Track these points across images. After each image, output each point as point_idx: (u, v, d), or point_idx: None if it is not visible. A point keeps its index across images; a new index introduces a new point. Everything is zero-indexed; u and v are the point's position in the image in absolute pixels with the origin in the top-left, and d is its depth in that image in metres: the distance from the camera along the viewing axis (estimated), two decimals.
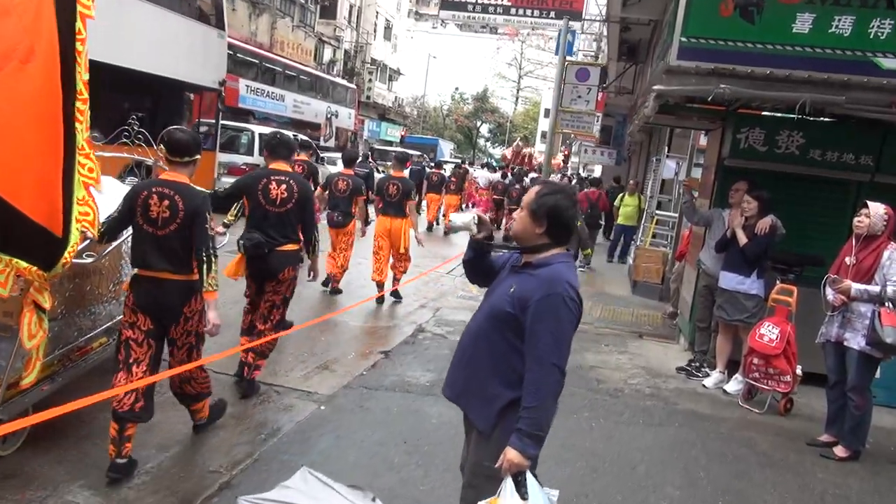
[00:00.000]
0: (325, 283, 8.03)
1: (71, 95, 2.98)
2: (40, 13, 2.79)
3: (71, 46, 2.96)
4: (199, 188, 3.65)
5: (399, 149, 30.68)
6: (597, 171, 42.32)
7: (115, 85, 9.27)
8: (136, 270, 3.62)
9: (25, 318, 3.07)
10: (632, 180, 14.27)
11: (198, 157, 3.68)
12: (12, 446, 3.59)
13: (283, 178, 4.65)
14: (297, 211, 4.65)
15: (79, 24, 2.98)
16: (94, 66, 3.30)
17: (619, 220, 13.52)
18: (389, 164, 25.78)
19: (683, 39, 5.44)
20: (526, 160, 43.39)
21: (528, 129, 77.10)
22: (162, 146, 3.67)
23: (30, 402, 3.57)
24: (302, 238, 4.84)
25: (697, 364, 6.22)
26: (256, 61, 21.07)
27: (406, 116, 56.18)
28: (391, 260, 8.09)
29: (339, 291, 8.09)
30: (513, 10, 31.22)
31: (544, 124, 75.63)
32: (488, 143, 77.61)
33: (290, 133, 12.12)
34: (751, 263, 5.57)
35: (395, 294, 8.24)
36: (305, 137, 16.28)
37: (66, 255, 3.09)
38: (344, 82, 30.01)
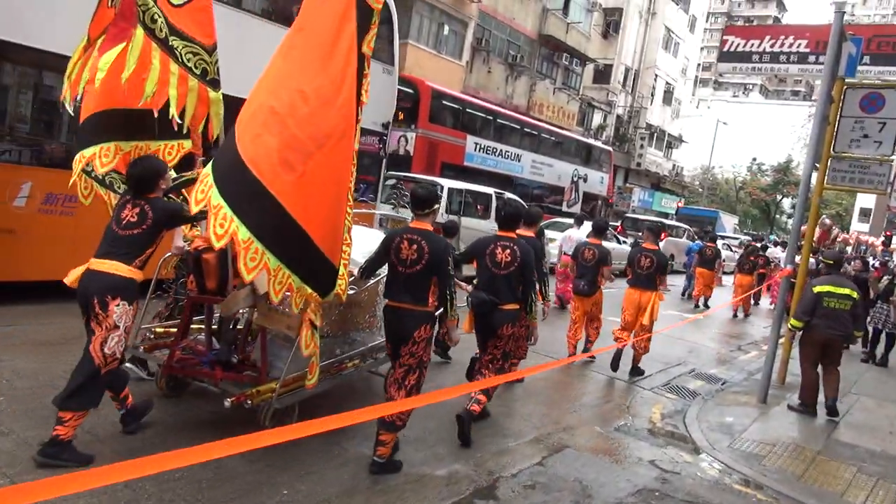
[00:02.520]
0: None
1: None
2: (350, 100, 3.64)
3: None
4: (441, 237, 4.35)
5: (654, 218, 27.10)
6: None
7: None
8: (387, 301, 4.31)
9: (303, 332, 3.84)
10: None
11: (437, 206, 4.37)
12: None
13: (507, 243, 5.03)
14: (517, 274, 4.97)
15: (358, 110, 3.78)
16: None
17: None
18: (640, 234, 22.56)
19: None
20: (838, 240, 36.28)
21: (842, 206, 65.91)
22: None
23: (297, 399, 4.38)
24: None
25: None
26: (490, 118, 19.66)
27: (685, 186, 51.23)
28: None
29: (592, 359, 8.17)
30: (811, 58, 26.10)
31: (864, 200, 64.15)
32: (790, 220, 67.97)
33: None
34: None
35: (636, 371, 7.95)
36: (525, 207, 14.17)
37: (338, 287, 3.88)
38: (598, 144, 27.43)
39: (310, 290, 3.69)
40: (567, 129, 28.79)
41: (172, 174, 4.56)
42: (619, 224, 23.86)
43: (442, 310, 4.35)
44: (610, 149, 27.55)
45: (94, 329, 3.67)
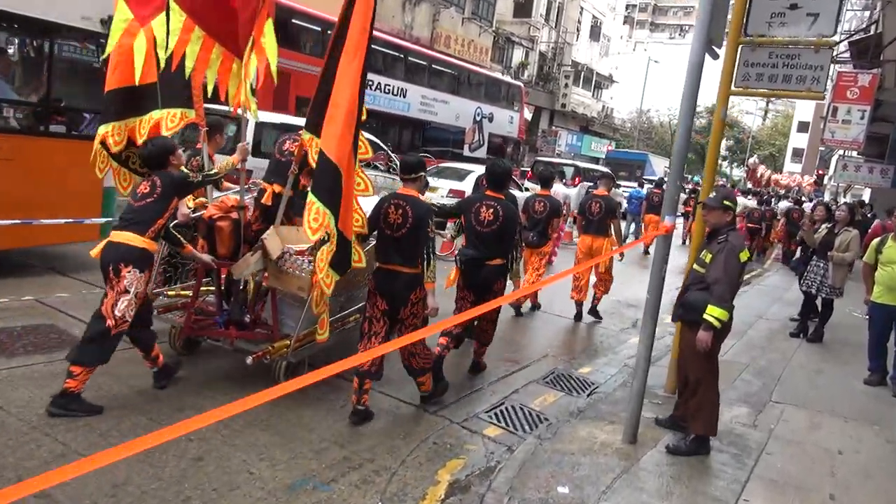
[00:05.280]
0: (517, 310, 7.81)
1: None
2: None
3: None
4: (425, 201, 4.53)
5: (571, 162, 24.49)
6: (865, 195, 31.92)
7: None
8: (377, 263, 4.48)
9: (315, 292, 4.17)
10: None
11: (422, 174, 4.49)
12: None
13: (492, 203, 5.16)
14: (499, 232, 5.12)
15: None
16: None
17: (876, 295, 6.26)
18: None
19: None
20: (764, 182, 34.65)
21: (776, 146, 64.93)
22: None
23: (307, 353, 4.77)
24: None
25: None
26: None
27: (616, 129, 48.78)
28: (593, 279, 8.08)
29: (538, 307, 8.23)
30: None
31: (797, 140, 63.35)
32: (725, 162, 66.84)
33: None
34: None
35: (595, 313, 8.13)
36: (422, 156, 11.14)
37: (356, 257, 4.21)
38: (506, 78, 24.33)
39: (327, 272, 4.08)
40: (481, 66, 25.56)
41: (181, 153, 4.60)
42: (528, 170, 21.03)
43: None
44: (520, 84, 24.43)
45: (108, 293, 4.01)
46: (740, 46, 5.06)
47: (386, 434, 4.30)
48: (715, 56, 4.62)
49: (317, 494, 3.47)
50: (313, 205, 3.87)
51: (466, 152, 20.07)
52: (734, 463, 4.22)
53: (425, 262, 4.35)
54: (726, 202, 4.29)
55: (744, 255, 4.17)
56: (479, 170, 15.35)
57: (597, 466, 4.01)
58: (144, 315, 4.27)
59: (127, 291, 3.98)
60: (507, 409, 5.02)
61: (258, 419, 4.20)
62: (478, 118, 20.63)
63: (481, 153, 20.65)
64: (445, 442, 4.32)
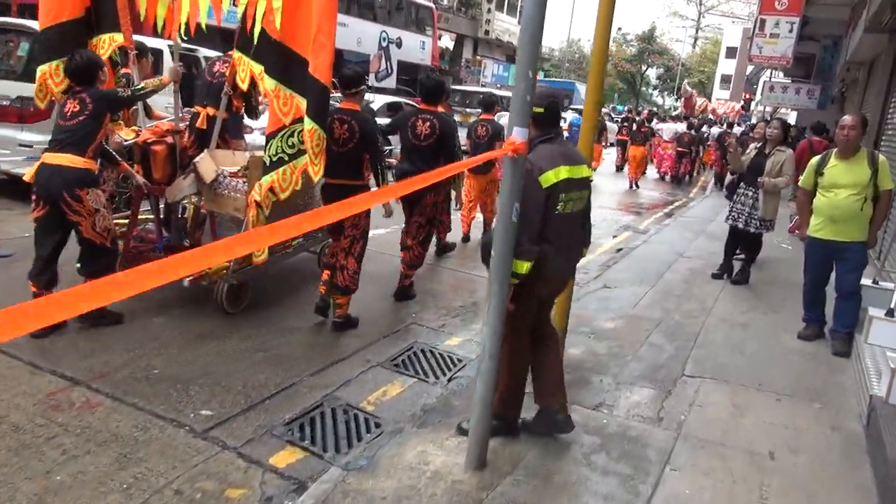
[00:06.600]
0: (464, 240, 7.71)
1: None
2: None
3: None
4: (370, 116, 4.71)
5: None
6: (791, 119, 31.44)
7: None
8: (325, 179, 4.35)
9: (251, 212, 4.21)
10: (849, 117, 5.19)
11: (363, 87, 4.54)
12: (239, 307, 4.70)
13: (428, 117, 5.24)
14: (436, 146, 5.20)
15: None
16: None
17: (814, 229, 4.97)
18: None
19: None
20: (700, 110, 33.75)
21: (705, 74, 64.46)
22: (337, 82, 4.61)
23: (249, 275, 4.72)
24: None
25: None
26: None
27: (545, 59, 47.06)
28: None
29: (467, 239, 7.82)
30: None
31: (725, 66, 62.98)
32: (655, 91, 66.19)
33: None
34: None
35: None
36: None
37: (316, 168, 4.11)
38: None
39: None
40: None
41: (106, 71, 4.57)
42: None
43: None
44: (431, 5, 22.35)
45: (77, 220, 4.04)
46: None
47: (101, 479, 2.76)
48: None
49: None
50: (315, 131, 4.00)
51: (372, 82, 18.13)
52: (624, 494, 2.86)
53: (381, 174, 4.51)
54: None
55: (546, 179, 2.90)
56: (382, 100, 13.57)
57: None
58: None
59: (97, 210, 4.07)
60: (322, 414, 3.55)
61: None
62: (384, 43, 18.63)
63: (389, 83, 18.76)
64: (197, 488, 2.82)
